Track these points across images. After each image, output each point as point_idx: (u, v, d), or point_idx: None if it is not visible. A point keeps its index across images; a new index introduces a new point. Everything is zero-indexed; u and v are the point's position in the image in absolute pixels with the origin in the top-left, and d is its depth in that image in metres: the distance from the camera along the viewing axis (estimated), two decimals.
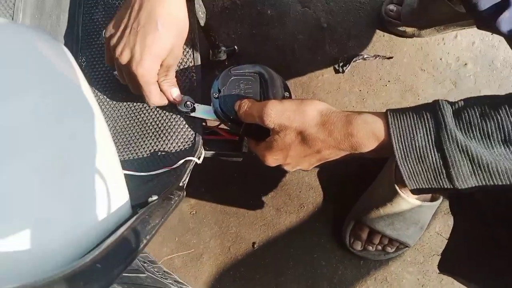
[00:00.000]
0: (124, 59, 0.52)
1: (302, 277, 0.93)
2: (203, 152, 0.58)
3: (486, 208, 0.47)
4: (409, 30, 0.91)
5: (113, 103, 0.62)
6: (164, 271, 0.67)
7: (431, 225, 0.89)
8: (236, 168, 0.99)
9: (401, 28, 0.92)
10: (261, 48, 1.01)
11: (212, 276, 0.97)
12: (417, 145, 0.42)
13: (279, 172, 0.97)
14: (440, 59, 0.93)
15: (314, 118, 0.47)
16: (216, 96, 0.56)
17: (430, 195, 0.83)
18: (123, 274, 0.47)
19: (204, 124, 0.61)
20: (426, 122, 0.42)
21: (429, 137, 0.41)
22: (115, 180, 0.39)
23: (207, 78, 0.64)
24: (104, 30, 0.55)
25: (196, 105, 0.59)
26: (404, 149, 0.42)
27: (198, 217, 1.00)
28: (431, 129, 0.41)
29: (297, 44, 1.00)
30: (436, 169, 0.42)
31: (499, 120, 0.39)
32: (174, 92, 0.57)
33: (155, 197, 0.41)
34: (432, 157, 0.41)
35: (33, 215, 0.28)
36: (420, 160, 0.42)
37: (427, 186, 0.43)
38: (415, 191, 0.44)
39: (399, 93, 0.94)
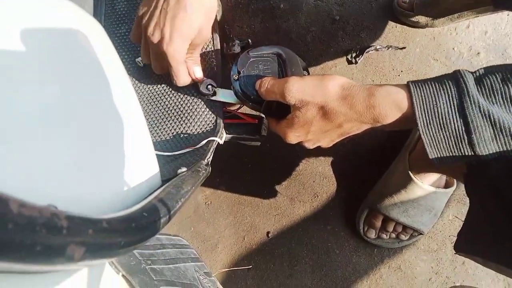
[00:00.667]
0: (155, 39, 0.54)
1: (316, 265, 0.95)
2: (224, 134, 0.59)
3: (503, 183, 0.48)
4: (422, 20, 0.92)
5: (136, 89, 0.64)
6: None
7: (444, 212, 0.89)
8: (250, 159, 1.00)
9: (414, 19, 0.93)
10: (274, 41, 1.02)
11: (227, 265, 0.99)
12: (439, 111, 0.43)
13: (293, 162, 0.98)
14: (453, 48, 0.94)
15: (336, 92, 0.48)
16: (236, 78, 0.57)
17: (444, 182, 0.84)
18: None
19: (224, 108, 0.63)
20: (448, 89, 0.43)
21: (452, 103, 0.42)
22: (147, 154, 0.40)
23: (224, 69, 0.66)
24: (138, 8, 0.57)
25: (216, 89, 0.60)
26: (427, 116, 0.43)
27: (213, 207, 1.01)
28: (454, 95, 0.42)
29: (310, 36, 1.01)
30: (458, 135, 0.43)
31: None
32: (197, 71, 0.59)
33: (184, 169, 0.43)
34: (454, 123, 0.42)
35: (73, 180, 0.30)
36: (443, 126, 0.43)
37: (448, 154, 0.44)
38: (435, 160, 0.45)
39: None
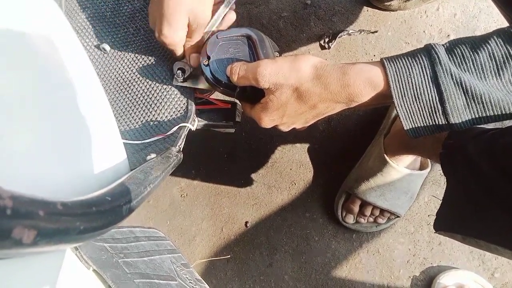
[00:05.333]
0: (151, 26, 0.55)
1: (295, 253, 0.94)
2: (196, 120, 0.57)
3: (480, 160, 0.48)
4: (394, 3, 0.92)
5: (102, 76, 0.61)
6: (196, 279, 0.67)
7: (420, 195, 0.90)
8: (225, 149, 0.98)
9: (386, 3, 0.93)
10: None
11: (205, 257, 0.97)
12: (413, 82, 0.43)
13: (269, 151, 0.97)
14: (424, 31, 0.95)
15: (309, 73, 0.47)
16: (206, 63, 0.55)
17: (419, 164, 0.84)
18: (154, 281, 0.46)
19: (195, 94, 0.60)
20: (421, 60, 0.43)
21: (425, 72, 0.42)
22: (113, 140, 0.38)
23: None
24: None
25: (190, 73, 0.58)
26: (401, 88, 0.43)
27: (189, 200, 0.99)
28: (427, 65, 0.42)
29: (282, 22, 1.00)
30: (432, 105, 0.43)
31: (490, 50, 0.41)
32: (192, 58, 0.58)
33: (153, 155, 0.41)
34: (428, 93, 0.43)
35: (39, 162, 0.28)
36: (417, 97, 0.43)
37: (423, 124, 0.44)
38: (410, 132, 0.46)
39: None
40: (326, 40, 0.98)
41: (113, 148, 0.37)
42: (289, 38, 0.99)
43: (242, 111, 0.61)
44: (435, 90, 0.42)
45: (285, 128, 0.54)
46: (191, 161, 0.98)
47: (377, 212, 0.87)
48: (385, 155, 0.80)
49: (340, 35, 0.97)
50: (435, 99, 0.43)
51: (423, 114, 0.44)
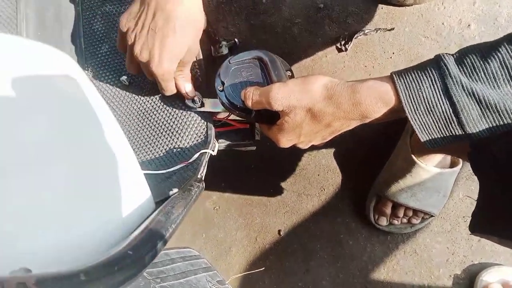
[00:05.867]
0: (143, 59, 0.53)
1: (331, 258, 0.94)
2: (217, 144, 0.59)
3: (505, 161, 0.46)
4: None
5: (122, 107, 0.63)
6: None
7: (454, 192, 0.88)
8: (252, 160, 0.99)
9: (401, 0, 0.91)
10: (261, 37, 1.01)
11: (242, 267, 0.99)
12: (424, 96, 0.42)
13: (296, 158, 0.97)
14: (442, 23, 0.92)
15: (321, 94, 0.48)
16: (221, 88, 0.56)
17: (449, 161, 0.82)
18: None
19: (214, 117, 0.62)
20: (431, 73, 0.42)
21: (436, 86, 0.42)
22: (136, 180, 0.40)
23: (213, 75, 0.65)
24: (119, 22, 0.55)
25: (204, 99, 0.60)
26: (413, 103, 0.43)
27: (222, 212, 1.01)
28: (437, 78, 0.42)
29: (296, 28, 1.00)
30: (446, 116, 0.42)
31: (501, 58, 0.40)
32: (188, 87, 0.59)
33: (175, 190, 0.42)
34: (441, 105, 0.42)
35: (66, 215, 0.30)
36: (430, 110, 0.43)
37: (439, 136, 0.44)
38: (428, 143, 0.45)
39: (405, 63, 0.93)
40: (343, 42, 0.97)
41: (137, 188, 0.38)
42: (304, 44, 0.99)
43: (260, 130, 0.62)
44: (447, 102, 0.42)
45: (303, 146, 0.55)
46: (221, 174, 1.00)
47: (410, 213, 0.86)
48: (412, 156, 0.79)
49: (356, 36, 0.96)
50: (449, 111, 0.42)
51: (438, 126, 0.43)
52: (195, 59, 0.62)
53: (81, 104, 0.39)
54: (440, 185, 0.81)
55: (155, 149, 0.59)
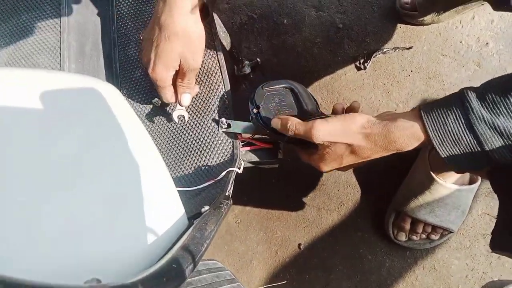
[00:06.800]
0: (144, 64, 0.61)
1: (350, 272, 0.96)
2: (242, 162, 0.62)
3: None
4: (427, 18, 0.92)
5: (154, 127, 0.68)
6: None
7: (473, 208, 0.89)
8: (273, 175, 1.03)
9: (419, 19, 0.93)
10: (282, 57, 1.05)
11: (263, 280, 1.01)
12: (450, 130, 0.47)
13: (316, 174, 1.00)
14: (460, 42, 0.94)
15: (359, 134, 0.54)
16: (256, 112, 0.62)
17: (468, 178, 0.84)
18: None
19: (239, 137, 0.65)
20: (455, 110, 0.47)
21: (460, 121, 0.47)
22: (172, 198, 0.44)
23: (236, 93, 0.69)
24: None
25: (230, 121, 0.64)
26: (440, 137, 0.48)
27: (244, 225, 1.04)
28: (460, 115, 0.47)
29: (316, 48, 1.03)
30: (472, 148, 0.47)
31: None
32: (184, 98, 0.64)
33: (207, 207, 0.46)
34: (466, 138, 0.47)
35: (110, 234, 0.33)
36: (456, 142, 0.47)
37: (467, 165, 0.49)
38: (457, 169, 0.50)
39: (423, 81, 0.96)
40: (361, 61, 1.00)
41: (173, 205, 0.42)
42: (325, 63, 1.03)
43: (283, 149, 0.66)
44: (472, 136, 0.46)
45: (344, 170, 0.62)
46: (243, 188, 1.04)
47: (429, 229, 0.87)
48: (431, 172, 0.81)
49: (374, 54, 0.98)
50: (474, 143, 0.46)
51: (465, 156, 0.48)
52: (223, 88, 0.66)
53: (121, 126, 0.43)
54: (459, 202, 0.83)
55: (184, 167, 0.63)
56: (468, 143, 0.47)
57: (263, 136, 0.67)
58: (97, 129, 0.41)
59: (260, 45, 1.07)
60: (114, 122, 0.43)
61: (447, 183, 0.80)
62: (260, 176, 1.03)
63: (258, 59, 1.05)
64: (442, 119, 0.48)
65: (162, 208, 0.40)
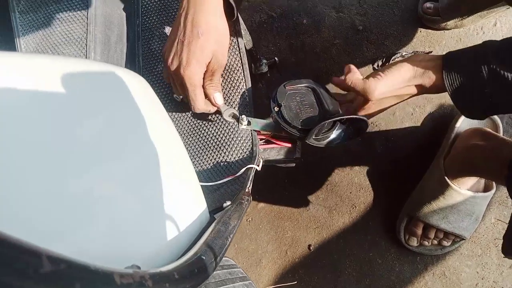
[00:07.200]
0: (173, 66, 0.59)
1: (359, 276, 0.96)
2: (261, 160, 0.63)
3: None
4: (450, 23, 0.92)
5: (174, 122, 0.69)
6: None
7: (486, 216, 0.88)
8: (286, 174, 1.03)
9: (442, 24, 0.93)
10: (300, 57, 1.05)
11: (272, 280, 1.01)
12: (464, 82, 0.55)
13: (329, 175, 1.00)
14: None
15: (408, 86, 0.62)
16: (277, 110, 0.62)
17: (483, 185, 0.83)
18: None
19: (258, 134, 0.66)
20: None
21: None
22: (196, 191, 0.44)
23: (253, 91, 0.70)
24: (162, 56, 0.62)
25: (250, 119, 0.64)
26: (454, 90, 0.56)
27: (255, 224, 1.04)
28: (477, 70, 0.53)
29: (334, 49, 1.03)
30: (478, 91, 0.54)
31: None
32: (217, 97, 0.63)
33: (229, 203, 0.46)
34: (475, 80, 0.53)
35: (142, 224, 0.34)
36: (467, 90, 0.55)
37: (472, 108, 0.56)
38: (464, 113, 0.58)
39: None
40: (380, 63, 1.00)
41: (196, 199, 0.43)
42: (342, 64, 1.03)
43: (301, 148, 0.66)
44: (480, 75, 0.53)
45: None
46: (255, 186, 1.04)
47: (441, 235, 0.87)
48: (446, 178, 0.80)
49: (393, 58, 0.98)
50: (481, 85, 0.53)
51: (470, 97, 0.55)
52: (244, 86, 0.67)
53: (151, 116, 0.43)
54: (472, 209, 0.82)
55: (204, 162, 0.64)
56: (473, 85, 0.52)
57: (282, 134, 0.67)
58: (127, 117, 0.41)
59: (278, 44, 1.08)
60: (145, 112, 0.43)
61: (462, 190, 0.80)
62: (273, 175, 1.04)
63: (276, 58, 1.05)
64: (456, 62, 0.55)
65: (187, 201, 0.40)
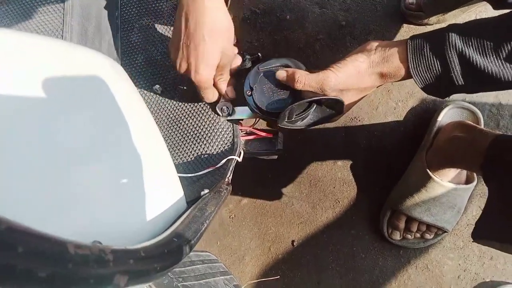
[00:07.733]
0: (182, 69, 0.58)
1: (343, 271, 0.95)
2: (242, 151, 0.62)
3: None
4: (432, 18, 0.92)
5: (154, 114, 0.67)
6: None
7: (468, 209, 0.89)
8: (269, 169, 1.02)
9: (425, 19, 0.94)
10: (283, 52, 1.05)
11: (255, 276, 1.01)
12: (425, 54, 0.53)
13: (312, 170, 1.00)
14: None
15: (371, 74, 0.57)
16: (250, 94, 0.60)
17: (464, 178, 0.84)
18: None
19: (240, 126, 0.65)
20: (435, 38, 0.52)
21: (435, 48, 0.51)
22: (172, 180, 0.43)
23: (236, 87, 0.69)
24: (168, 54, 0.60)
25: (229, 108, 0.63)
26: (416, 61, 0.54)
27: (237, 220, 1.04)
28: (438, 42, 0.51)
29: (318, 44, 1.03)
30: (439, 71, 0.52)
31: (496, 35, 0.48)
32: (229, 91, 0.63)
33: (206, 191, 0.46)
34: (436, 61, 0.52)
35: (113, 206, 0.33)
36: (428, 68, 0.53)
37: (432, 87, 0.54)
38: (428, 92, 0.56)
39: None
40: None
41: (172, 187, 0.42)
42: (326, 59, 1.03)
43: (283, 139, 0.65)
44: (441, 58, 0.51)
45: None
46: (238, 183, 1.03)
47: (423, 228, 0.87)
48: (428, 170, 0.81)
49: None
50: (441, 67, 0.52)
51: (431, 76, 0.53)
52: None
53: (125, 105, 0.42)
54: (454, 201, 0.83)
55: (184, 154, 0.63)
56: (437, 66, 0.51)
57: (264, 127, 0.67)
58: (102, 105, 0.40)
59: (262, 39, 1.07)
60: (121, 101, 0.42)
61: (444, 182, 0.80)
62: (256, 171, 1.03)
63: (259, 54, 1.04)
64: (421, 45, 0.52)
65: (163, 188, 0.40)
